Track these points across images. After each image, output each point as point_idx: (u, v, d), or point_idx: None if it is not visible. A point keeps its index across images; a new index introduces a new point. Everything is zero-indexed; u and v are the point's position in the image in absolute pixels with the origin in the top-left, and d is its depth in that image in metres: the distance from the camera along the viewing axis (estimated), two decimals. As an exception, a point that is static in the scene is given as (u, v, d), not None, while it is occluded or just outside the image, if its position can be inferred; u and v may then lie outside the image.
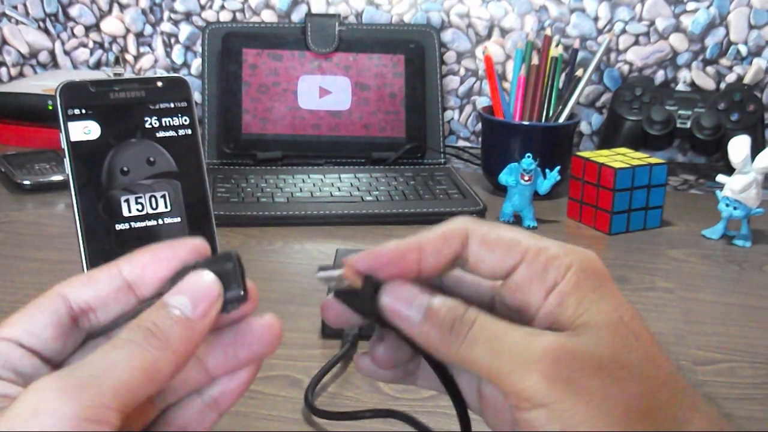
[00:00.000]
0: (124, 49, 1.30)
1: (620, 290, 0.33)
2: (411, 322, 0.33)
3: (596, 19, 1.20)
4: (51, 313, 0.31)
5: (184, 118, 0.55)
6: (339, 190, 0.97)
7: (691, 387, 0.32)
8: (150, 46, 1.30)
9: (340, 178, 1.02)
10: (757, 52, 1.18)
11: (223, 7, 1.26)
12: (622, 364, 0.30)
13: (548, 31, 1.09)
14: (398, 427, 0.52)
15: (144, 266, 0.32)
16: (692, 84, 1.21)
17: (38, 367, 0.30)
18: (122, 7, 1.29)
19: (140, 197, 0.53)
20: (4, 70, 1.35)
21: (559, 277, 0.32)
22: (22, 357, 0.30)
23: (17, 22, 1.32)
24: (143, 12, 1.28)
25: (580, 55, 1.13)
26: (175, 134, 0.54)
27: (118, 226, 0.53)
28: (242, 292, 0.31)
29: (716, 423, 0.32)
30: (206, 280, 0.31)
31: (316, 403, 0.55)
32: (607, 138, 1.16)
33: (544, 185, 0.91)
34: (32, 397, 0.26)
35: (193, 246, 0.32)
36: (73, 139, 0.52)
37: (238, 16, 1.26)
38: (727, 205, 0.86)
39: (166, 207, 0.54)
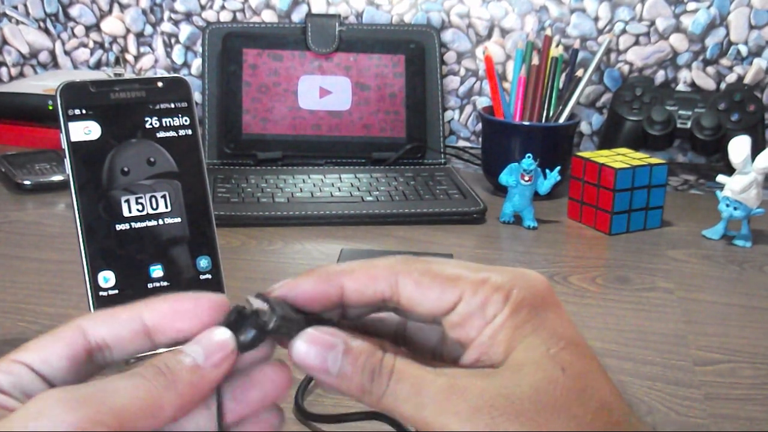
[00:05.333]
0: (124, 49, 1.30)
1: (566, 312, 0.33)
2: (328, 374, 0.32)
3: (596, 19, 1.20)
4: (68, 345, 0.32)
5: (185, 118, 0.55)
6: (339, 190, 0.97)
7: (628, 418, 0.31)
8: (150, 46, 1.30)
9: (340, 178, 1.02)
10: (757, 53, 1.18)
11: (223, 7, 1.26)
12: (542, 403, 0.29)
13: (548, 32, 1.09)
14: (385, 428, 0.52)
15: (163, 316, 0.33)
16: (692, 84, 1.21)
17: (45, 387, 0.31)
18: (122, 7, 1.29)
19: (140, 197, 0.53)
20: (4, 70, 1.35)
21: (497, 311, 0.31)
22: (33, 381, 0.31)
23: (17, 22, 1.32)
24: (143, 12, 1.28)
25: (581, 55, 1.13)
26: (175, 134, 0.54)
27: (119, 226, 0.53)
28: (255, 333, 0.32)
29: None
30: (221, 335, 0.32)
31: (305, 404, 0.55)
32: (607, 138, 1.16)
33: (545, 185, 0.91)
34: (36, 403, 0.28)
35: (215, 301, 0.33)
36: (73, 139, 0.52)
37: (239, 16, 1.26)
38: (728, 206, 0.86)
39: (166, 207, 0.54)
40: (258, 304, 0.32)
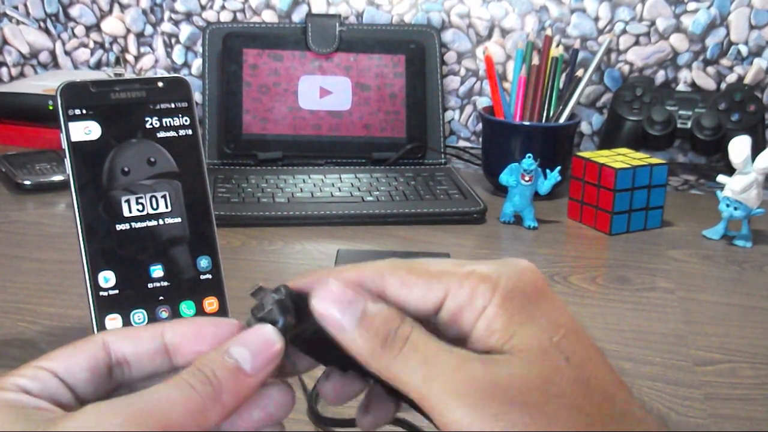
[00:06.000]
0: (124, 50, 1.31)
1: (560, 300, 0.32)
2: (343, 329, 0.31)
3: (597, 19, 1.20)
4: (90, 358, 0.32)
5: (185, 118, 0.55)
6: (339, 190, 0.97)
7: (631, 406, 0.31)
8: (150, 46, 1.30)
9: (340, 178, 1.02)
10: (757, 53, 1.18)
11: (223, 8, 1.26)
12: (550, 394, 0.29)
13: (549, 32, 1.09)
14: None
15: (184, 336, 0.33)
16: (693, 84, 1.21)
17: (72, 400, 0.31)
18: (123, 7, 1.29)
19: (141, 197, 0.53)
20: (4, 70, 1.35)
21: (486, 301, 0.31)
22: (59, 388, 0.31)
23: (18, 22, 1.32)
24: (144, 12, 1.28)
25: (581, 55, 1.13)
26: (175, 134, 0.54)
27: (119, 226, 0.53)
28: (283, 318, 0.32)
29: None
30: (269, 336, 0.31)
31: (319, 407, 0.54)
32: (607, 138, 1.16)
33: (545, 185, 0.91)
34: (93, 414, 0.28)
35: (236, 326, 0.33)
36: (73, 139, 0.52)
37: (239, 16, 1.26)
38: (728, 206, 0.86)
39: (166, 207, 0.54)
40: (265, 295, 0.32)
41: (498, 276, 0.31)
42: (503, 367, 0.30)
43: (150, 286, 0.53)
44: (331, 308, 0.31)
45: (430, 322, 0.33)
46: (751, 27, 1.18)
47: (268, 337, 0.31)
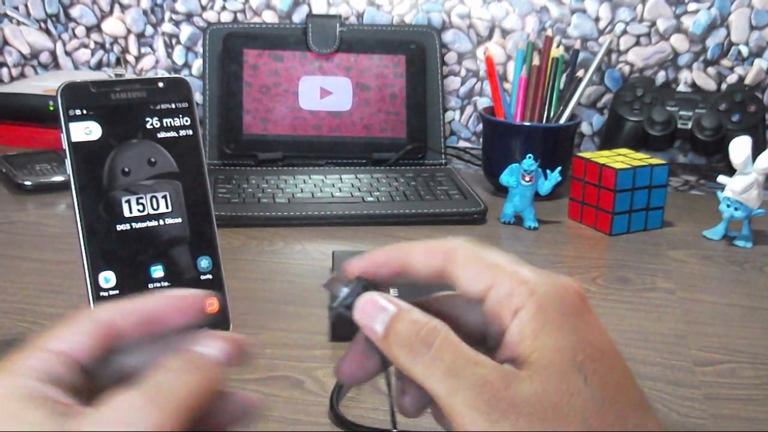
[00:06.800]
0: (125, 50, 1.31)
1: (597, 319, 0.34)
2: (375, 334, 0.33)
3: (597, 19, 1.20)
4: (92, 338, 0.32)
5: (185, 118, 0.55)
6: (340, 190, 0.97)
7: (643, 427, 0.32)
8: (151, 46, 1.30)
9: (341, 178, 1.02)
10: (758, 53, 1.18)
11: (224, 8, 1.26)
12: (565, 413, 0.30)
13: (549, 32, 1.09)
14: None
15: (169, 310, 0.34)
16: (693, 85, 1.21)
17: (79, 376, 0.31)
18: (123, 8, 1.29)
19: (141, 198, 0.53)
20: (5, 70, 1.35)
21: (521, 303, 0.33)
22: (68, 372, 0.31)
23: (18, 23, 1.32)
24: (144, 13, 1.28)
25: (581, 55, 1.13)
26: (176, 135, 0.54)
27: (119, 227, 0.53)
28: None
29: None
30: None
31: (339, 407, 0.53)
32: (608, 139, 1.16)
33: (545, 186, 0.91)
34: (115, 409, 0.29)
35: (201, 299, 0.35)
36: (74, 139, 0.52)
37: (239, 16, 1.26)
38: (728, 206, 0.86)
39: (167, 207, 0.54)
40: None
41: (536, 284, 0.33)
42: (524, 386, 0.31)
43: (150, 286, 0.53)
44: (365, 316, 0.34)
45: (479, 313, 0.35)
46: (752, 27, 1.18)
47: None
